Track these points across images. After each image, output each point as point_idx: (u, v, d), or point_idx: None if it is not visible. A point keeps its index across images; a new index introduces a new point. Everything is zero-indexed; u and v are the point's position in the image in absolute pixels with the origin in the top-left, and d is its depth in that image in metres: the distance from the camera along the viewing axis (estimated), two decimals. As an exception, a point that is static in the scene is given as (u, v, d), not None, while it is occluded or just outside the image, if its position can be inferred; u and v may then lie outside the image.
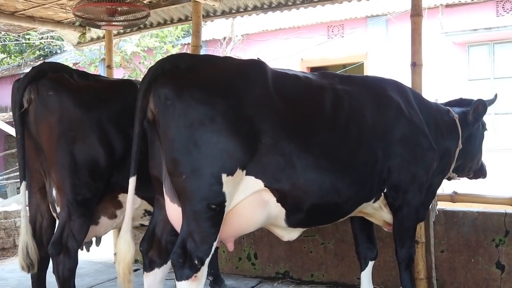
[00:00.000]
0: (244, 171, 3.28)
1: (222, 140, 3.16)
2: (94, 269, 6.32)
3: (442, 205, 5.12)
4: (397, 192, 3.97)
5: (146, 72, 3.36)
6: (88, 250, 4.54)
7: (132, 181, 3.32)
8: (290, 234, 3.84)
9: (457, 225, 5.05)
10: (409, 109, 4.06)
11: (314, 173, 3.48)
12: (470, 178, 4.85)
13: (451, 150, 4.36)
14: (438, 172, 4.30)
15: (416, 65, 5.11)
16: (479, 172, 4.84)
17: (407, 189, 3.99)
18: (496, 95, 4.61)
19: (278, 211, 3.51)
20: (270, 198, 3.43)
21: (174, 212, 3.37)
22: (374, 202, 3.99)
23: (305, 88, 3.68)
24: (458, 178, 4.58)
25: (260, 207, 3.44)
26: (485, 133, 4.83)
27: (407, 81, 4.87)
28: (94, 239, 4.47)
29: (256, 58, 3.69)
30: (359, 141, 3.73)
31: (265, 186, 3.38)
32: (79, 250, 4.01)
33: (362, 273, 4.46)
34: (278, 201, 3.46)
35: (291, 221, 3.62)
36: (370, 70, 14.01)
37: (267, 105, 3.37)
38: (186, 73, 3.28)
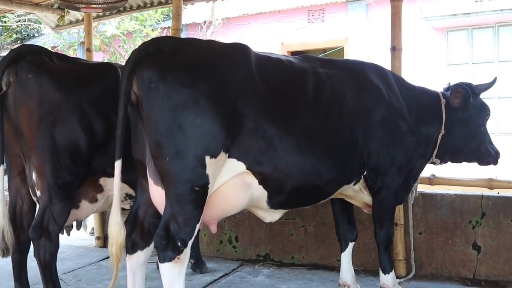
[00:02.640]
0: (227, 154, 3.31)
1: (206, 123, 3.19)
2: (75, 253, 6.31)
3: (420, 188, 5.18)
4: (376, 175, 4.03)
5: (129, 54, 3.35)
6: (68, 234, 4.54)
7: (118, 165, 3.31)
8: (272, 216, 3.89)
9: (435, 208, 5.14)
10: (389, 92, 4.09)
11: (295, 156, 3.52)
12: (480, 164, 4.60)
13: (433, 135, 4.33)
14: (419, 156, 4.32)
15: (395, 49, 5.16)
16: (485, 158, 4.51)
17: (386, 172, 4.04)
18: (495, 78, 4.47)
19: (260, 193, 3.55)
20: (252, 180, 3.47)
21: (157, 195, 3.38)
22: (354, 184, 4.05)
23: (288, 72, 3.71)
24: (441, 163, 4.52)
25: (242, 189, 3.48)
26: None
27: (386, 65, 4.90)
28: (74, 223, 4.47)
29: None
30: (340, 124, 3.77)
31: (247, 168, 3.41)
32: (60, 234, 4.00)
33: (342, 254, 4.52)
34: (260, 183, 3.50)
35: (273, 203, 3.67)
36: (350, 55, 14.05)
37: (250, 88, 3.40)
38: (169, 56, 3.29)
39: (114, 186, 3.35)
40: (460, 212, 5.05)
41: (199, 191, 3.23)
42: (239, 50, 3.54)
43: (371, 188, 4.11)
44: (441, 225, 5.11)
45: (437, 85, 4.87)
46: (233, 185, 3.43)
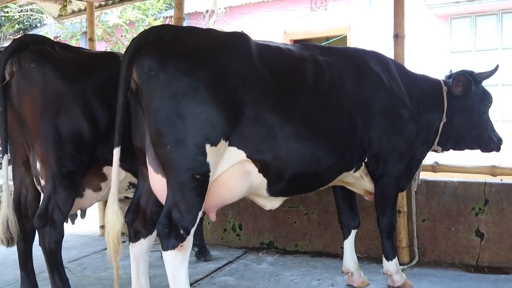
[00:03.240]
0: (227, 142, 3.32)
1: (206, 111, 3.20)
2: (80, 242, 6.35)
3: (423, 175, 5.21)
4: (377, 162, 4.04)
5: (129, 42, 3.35)
6: (73, 222, 4.56)
7: (116, 152, 3.33)
8: (272, 203, 3.91)
9: (438, 195, 5.15)
10: (389, 80, 4.09)
11: (295, 143, 3.54)
12: (482, 151, 4.56)
13: (434, 123, 4.34)
14: (420, 143, 4.32)
15: (398, 37, 5.16)
16: (487, 145, 4.47)
17: (388, 159, 4.05)
18: (497, 66, 4.40)
19: (260, 181, 3.57)
20: (252, 168, 3.49)
21: (158, 183, 3.40)
22: (354, 171, 4.06)
23: (287, 60, 3.72)
24: (442, 151, 4.51)
25: (242, 177, 3.50)
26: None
27: (389, 53, 4.90)
28: (79, 212, 4.49)
29: (240, 31, 3.70)
30: (339, 111, 3.78)
31: (247, 156, 3.43)
32: (65, 223, 4.03)
33: (345, 241, 4.54)
34: (260, 171, 3.52)
35: (273, 191, 3.69)
36: (353, 43, 13.98)
37: (250, 77, 3.40)
38: (169, 44, 3.29)
39: (112, 173, 3.37)
40: (463, 199, 5.06)
41: (200, 179, 3.24)
42: (239, 38, 3.54)
43: (372, 175, 4.12)
44: (444, 212, 5.13)
45: (441, 73, 4.86)
46: (233, 173, 3.45)
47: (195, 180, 3.22)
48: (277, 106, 3.46)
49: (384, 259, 4.34)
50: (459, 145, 4.54)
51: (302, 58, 3.77)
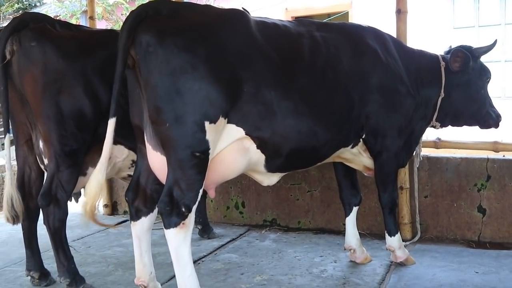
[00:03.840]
0: (226, 119, 3.31)
1: (204, 88, 3.18)
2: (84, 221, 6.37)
3: (426, 152, 5.21)
4: (375, 138, 4.05)
5: (129, 14, 3.31)
6: (77, 201, 4.58)
7: (111, 123, 3.29)
8: (270, 179, 3.92)
9: (441, 171, 5.15)
10: (386, 55, 4.08)
11: (293, 120, 3.54)
12: (481, 128, 4.54)
13: (432, 98, 4.33)
14: (419, 118, 4.33)
15: (401, 12, 5.12)
16: (486, 121, 4.45)
17: (386, 135, 4.06)
18: (495, 41, 4.37)
19: (258, 157, 3.57)
20: (250, 144, 3.49)
21: (156, 161, 3.40)
22: (352, 147, 4.07)
23: (284, 36, 3.70)
24: (440, 127, 4.50)
25: (241, 154, 3.50)
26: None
27: (392, 29, 4.86)
28: (83, 191, 4.51)
29: (241, 8, 3.68)
30: (336, 87, 3.77)
31: (246, 134, 3.43)
32: (69, 202, 4.05)
33: (347, 218, 4.56)
34: (258, 147, 3.52)
35: (271, 167, 3.69)
36: (355, 19, 13.87)
37: (248, 54, 3.39)
38: (168, 20, 3.26)
39: (105, 144, 3.32)
40: (466, 175, 5.07)
41: (200, 157, 3.23)
42: (237, 15, 3.52)
43: (371, 151, 4.14)
44: (447, 188, 5.14)
45: (443, 49, 4.83)
46: (231, 150, 3.44)
47: (195, 158, 3.21)
48: (275, 83, 3.45)
49: (386, 235, 4.36)
50: (457, 121, 4.53)
51: (298, 34, 3.75)
